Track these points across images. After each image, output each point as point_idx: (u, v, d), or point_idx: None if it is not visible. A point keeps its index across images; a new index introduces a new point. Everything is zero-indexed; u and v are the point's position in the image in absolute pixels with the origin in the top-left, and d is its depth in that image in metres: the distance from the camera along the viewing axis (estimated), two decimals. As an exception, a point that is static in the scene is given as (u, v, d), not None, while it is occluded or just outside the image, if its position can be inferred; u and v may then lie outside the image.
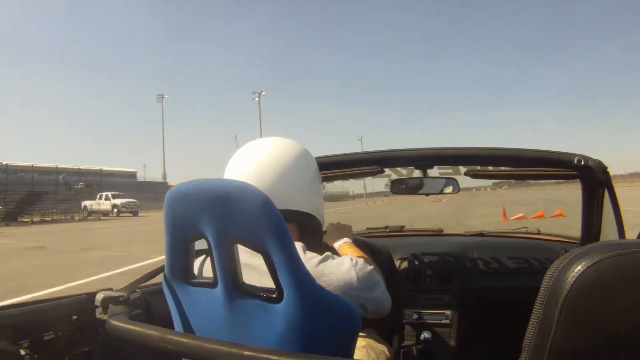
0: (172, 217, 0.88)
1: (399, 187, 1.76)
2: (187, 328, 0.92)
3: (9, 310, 1.02)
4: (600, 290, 0.57)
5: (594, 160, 1.41)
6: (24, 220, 25.85)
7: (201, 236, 0.86)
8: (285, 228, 0.79)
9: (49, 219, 27.08)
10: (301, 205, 1.01)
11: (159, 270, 1.05)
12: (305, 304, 0.79)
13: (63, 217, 27.95)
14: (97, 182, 37.99)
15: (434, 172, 1.69)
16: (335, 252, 1.16)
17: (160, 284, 0.98)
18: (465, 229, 2.45)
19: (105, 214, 31.74)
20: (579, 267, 0.57)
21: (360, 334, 1.26)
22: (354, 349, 0.93)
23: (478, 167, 1.70)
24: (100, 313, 1.08)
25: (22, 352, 0.96)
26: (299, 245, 0.90)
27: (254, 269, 0.87)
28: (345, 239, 1.22)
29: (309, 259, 0.90)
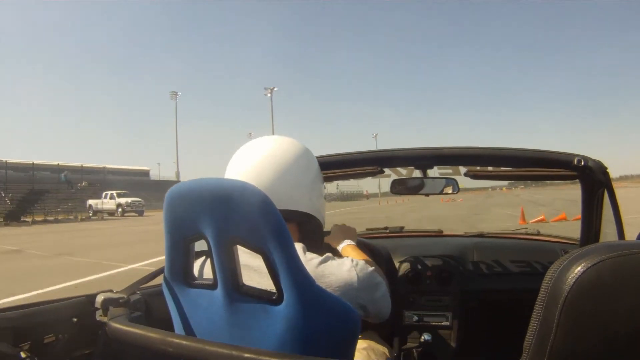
0: (172, 218, 0.89)
1: (398, 188, 1.77)
2: (187, 330, 0.92)
3: (9, 312, 1.03)
4: (600, 291, 0.58)
5: (594, 160, 1.42)
6: (27, 219, 25.72)
7: (201, 237, 0.86)
8: (285, 228, 0.79)
9: (51, 218, 27.03)
10: (301, 205, 1.02)
11: (159, 271, 1.06)
12: (306, 305, 0.80)
13: (66, 217, 27.76)
14: (100, 180, 37.71)
15: (434, 172, 1.69)
16: (338, 254, 1.16)
17: (160, 285, 0.99)
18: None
19: (111, 213, 31.44)
20: (579, 268, 0.58)
21: (361, 336, 1.26)
22: (354, 351, 0.94)
23: (478, 168, 1.71)
24: (101, 315, 1.08)
25: (23, 354, 0.97)
26: (299, 246, 0.90)
27: (253, 270, 0.87)
28: (349, 241, 1.23)
29: (309, 260, 0.91)
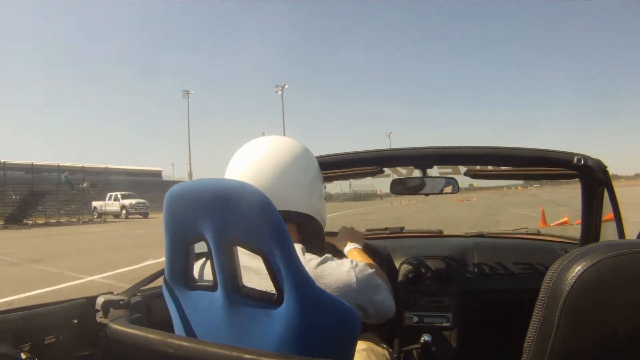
0: (172, 219, 0.90)
1: (398, 188, 1.79)
2: (188, 331, 0.93)
3: (10, 314, 1.04)
4: (600, 291, 0.58)
5: (594, 159, 1.44)
6: (28, 222, 25.66)
7: (201, 238, 0.87)
8: (285, 229, 0.80)
9: (54, 221, 27.05)
10: (300, 205, 1.03)
11: (160, 273, 1.07)
12: (305, 306, 0.81)
13: (69, 220, 27.63)
14: (103, 181, 37.38)
15: (433, 172, 1.71)
16: (342, 255, 1.18)
17: (161, 287, 1.00)
18: None
19: (116, 215, 31.37)
20: (579, 268, 0.59)
21: (361, 337, 1.27)
22: (354, 352, 0.94)
23: (478, 167, 1.74)
24: (101, 317, 1.09)
25: (23, 356, 0.98)
26: (298, 247, 0.91)
27: (253, 271, 0.89)
28: (355, 245, 1.26)
29: (308, 261, 0.92)
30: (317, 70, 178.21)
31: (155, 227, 18.88)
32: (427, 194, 1.77)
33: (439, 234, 2.39)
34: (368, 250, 1.38)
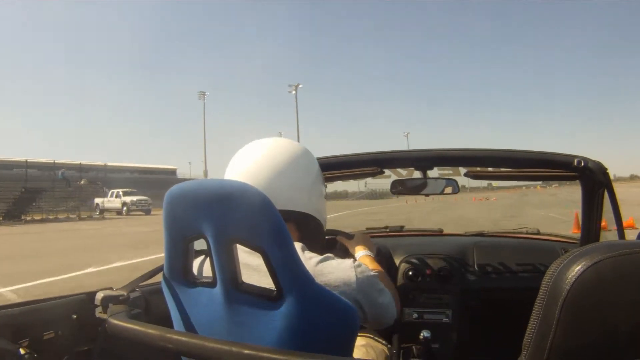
0: (172, 217, 0.92)
1: (398, 188, 1.84)
2: (187, 327, 0.95)
3: (9, 309, 1.07)
4: (600, 290, 0.60)
5: (594, 161, 1.48)
6: (26, 218, 26.11)
7: (200, 236, 0.89)
8: (285, 228, 0.82)
9: (52, 217, 27.36)
10: (300, 205, 1.06)
11: (159, 269, 1.09)
12: (305, 303, 0.83)
13: (67, 216, 27.99)
14: (101, 178, 37.48)
15: (433, 173, 1.76)
16: (348, 256, 1.20)
17: (160, 282, 1.02)
18: None
19: (118, 212, 31.60)
20: (579, 267, 0.60)
21: (360, 333, 1.31)
22: (353, 348, 0.97)
23: (478, 168, 1.78)
24: (100, 312, 1.12)
25: (22, 351, 1.00)
26: (297, 246, 0.93)
27: (253, 268, 0.91)
28: (368, 253, 1.31)
29: (309, 259, 0.94)
30: (333, 70, 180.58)
31: (151, 224, 19.06)
32: (427, 195, 1.81)
33: (439, 233, 2.44)
34: (379, 258, 1.42)
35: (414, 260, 1.95)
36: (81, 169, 36.47)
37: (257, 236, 0.83)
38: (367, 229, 2.45)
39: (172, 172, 64.13)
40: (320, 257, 0.97)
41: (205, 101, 56.98)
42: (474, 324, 1.92)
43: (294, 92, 52.86)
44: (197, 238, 0.91)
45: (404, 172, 1.89)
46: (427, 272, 1.90)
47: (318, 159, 1.18)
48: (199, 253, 0.99)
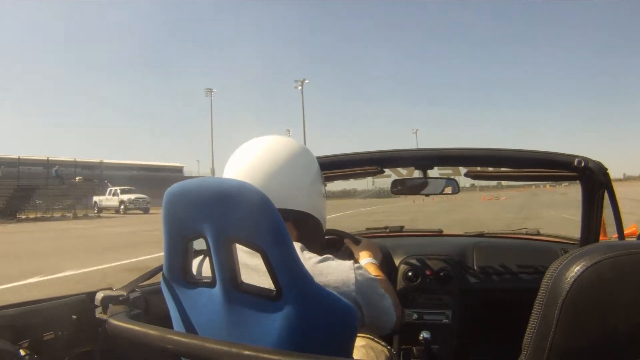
0: (171, 217, 0.94)
1: (398, 188, 1.87)
2: (187, 328, 0.97)
3: (9, 310, 1.08)
4: (600, 290, 0.61)
5: (594, 161, 1.51)
6: (22, 217, 26.22)
7: (200, 236, 0.91)
8: (284, 227, 0.84)
9: (48, 215, 27.52)
10: (298, 204, 1.07)
11: (159, 269, 1.10)
12: (304, 302, 0.84)
13: (62, 215, 27.92)
14: (98, 175, 37.62)
15: (433, 172, 1.79)
16: (352, 259, 1.26)
17: (160, 282, 1.04)
18: None
19: (117, 210, 31.65)
20: (579, 268, 0.61)
21: (359, 334, 1.31)
22: (353, 349, 0.98)
23: (478, 168, 1.81)
24: (100, 313, 1.13)
25: (22, 352, 1.02)
26: (297, 246, 0.94)
27: (252, 269, 0.92)
28: (373, 260, 1.33)
29: (308, 259, 0.96)
30: (339, 68, 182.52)
31: (142, 224, 18.93)
32: (427, 195, 1.84)
33: (439, 233, 2.47)
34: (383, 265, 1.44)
35: (414, 261, 1.97)
36: (76, 165, 36.30)
37: (256, 235, 0.84)
38: (367, 229, 2.48)
39: (179, 169, 64.62)
40: (319, 258, 0.98)
41: (213, 99, 57.65)
42: (473, 324, 1.95)
43: (300, 87, 52.80)
44: (197, 238, 0.93)
45: (404, 172, 1.91)
46: (427, 272, 1.93)
47: (318, 158, 1.20)
48: (198, 253, 1.01)
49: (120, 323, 0.99)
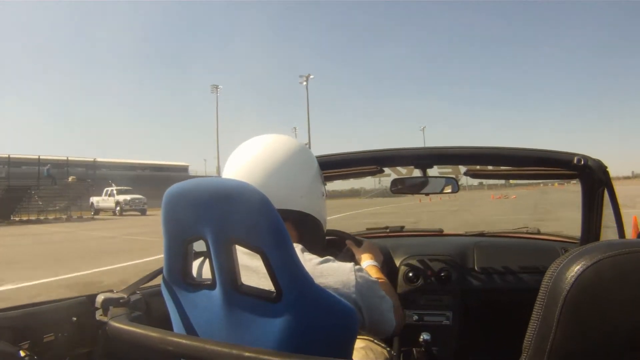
0: (170, 218, 0.95)
1: (398, 187, 1.90)
2: (187, 329, 0.98)
3: (9, 312, 1.10)
4: (600, 290, 0.62)
5: (594, 159, 1.53)
6: (16, 219, 26.15)
7: (199, 237, 0.92)
8: (284, 228, 0.86)
9: (42, 217, 27.38)
10: (297, 204, 1.09)
11: (159, 271, 1.12)
12: (304, 304, 0.86)
13: (56, 217, 27.73)
14: (91, 175, 36.96)
15: (433, 171, 1.82)
16: (352, 261, 1.28)
17: (160, 285, 1.06)
18: None
19: (114, 211, 31.32)
20: (579, 267, 0.63)
21: (359, 335, 1.34)
22: (353, 350, 1.00)
23: (478, 167, 1.84)
24: (101, 315, 1.16)
25: (22, 353, 1.03)
26: (297, 247, 0.96)
27: (252, 270, 0.94)
28: (374, 263, 1.34)
29: (308, 260, 0.98)
30: (346, 65, 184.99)
31: (134, 227, 18.45)
32: (427, 194, 1.89)
33: (439, 233, 2.50)
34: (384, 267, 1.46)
35: (415, 262, 2.00)
36: (68, 165, 35.65)
37: (255, 236, 0.86)
38: (367, 229, 2.51)
39: (184, 169, 65.14)
40: (320, 259, 1.00)
41: (220, 98, 57.78)
42: (474, 325, 1.98)
43: (304, 83, 52.72)
44: (196, 239, 0.95)
45: (403, 171, 1.94)
46: (428, 273, 1.96)
47: (317, 157, 1.21)
48: (198, 255, 1.03)
49: (120, 325, 1.01)
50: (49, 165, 33.32)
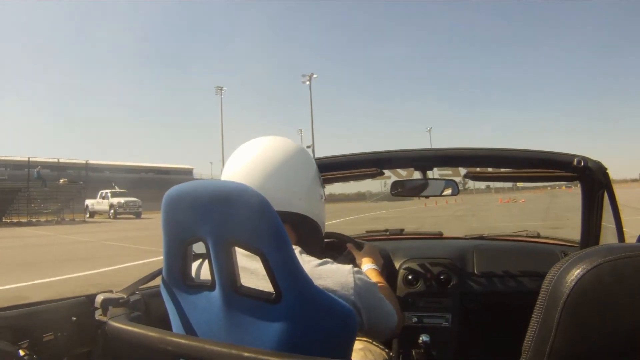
0: (170, 220, 0.97)
1: (398, 189, 1.93)
2: (186, 331, 1.00)
3: (9, 311, 1.12)
4: (600, 294, 0.63)
5: (594, 161, 1.55)
6: (7, 221, 26.21)
7: (199, 239, 0.94)
8: (283, 230, 0.88)
9: (34, 220, 27.40)
10: (295, 206, 1.11)
11: (159, 272, 1.14)
12: (303, 305, 0.88)
13: (46, 219, 27.73)
14: (83, 177, 36.80)
15: (433, 173, 1.85)
16: (353, 264, 1.30)
17: (159, 285, 1.07)
18: None
19: (109, 214, 31.30)
20: (579, 271, 0.64)
21: (358, 337, 1.36)
22: (352, 351, 1.02)
23: (478, 169, 1.87)
24: (100, 315, 1.18)
25: (21, 352, 1.06)
26: (296, 249, 0.98)
27: (251, 272, 0.96)
28: (375, 266, 1.37)
29: (307, 262, 1.00)
30: (350, 66, 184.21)
31: (120, 232, 18.11)
32: (427, 196, 1.91)
33: (439, 236, 2.53)
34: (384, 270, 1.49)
35: (414, 265, 2.03)
36: (59, 167, 36.02)
37: (255, 238, 0.88)
38: (367, 232, 2.56)
39: (189, 171, 65.54)
40: (319, 261, 1.02)
41: (224, 101, 57.41)
42: (473, 327, 2.00)
43: (307, 82, 52.54)
44: (196, 241, 0.97)
45: (403, 173, 1.98)
46: (427, 275, 1.99)
47: (316, 159, 1.23)
48: (197, 256, 1.05)
49: (120, 325, 1.03)
50: (39, 167, 33.28)
